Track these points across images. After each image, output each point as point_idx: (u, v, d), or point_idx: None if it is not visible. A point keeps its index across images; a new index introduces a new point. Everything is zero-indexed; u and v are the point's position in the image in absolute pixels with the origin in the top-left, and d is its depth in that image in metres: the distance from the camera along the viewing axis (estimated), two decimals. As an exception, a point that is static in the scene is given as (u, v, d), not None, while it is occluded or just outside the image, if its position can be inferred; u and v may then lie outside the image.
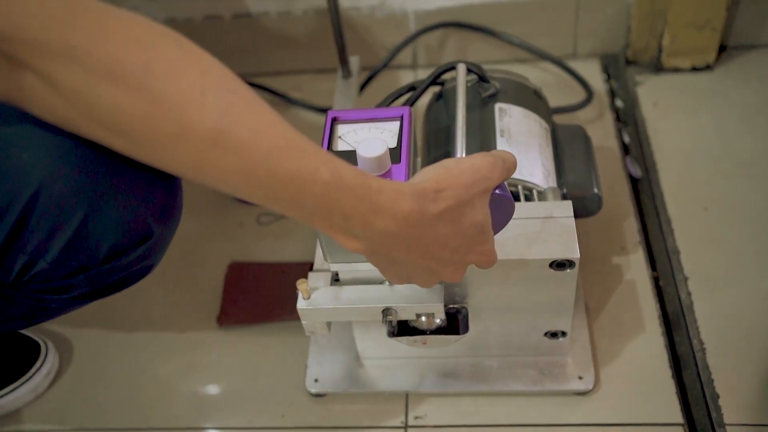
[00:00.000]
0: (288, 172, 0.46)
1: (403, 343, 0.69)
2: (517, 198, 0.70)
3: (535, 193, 0.70)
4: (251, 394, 0.78)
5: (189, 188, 0.99)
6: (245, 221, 0.95)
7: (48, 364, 0.80)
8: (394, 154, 0.63)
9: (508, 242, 0.65)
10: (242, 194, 0.49)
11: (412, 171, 0.64)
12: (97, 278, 0.58)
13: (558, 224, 0.66)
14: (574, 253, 0.63)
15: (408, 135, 0.65)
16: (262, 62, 1.11)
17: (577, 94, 1.02)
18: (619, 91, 1.06)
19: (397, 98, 0.78)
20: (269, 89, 1.09)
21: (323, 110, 1.04)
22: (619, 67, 1.08)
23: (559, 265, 0.64)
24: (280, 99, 1.08)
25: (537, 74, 1.06)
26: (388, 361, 0.77)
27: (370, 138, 0.62)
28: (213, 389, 0.79)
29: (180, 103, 0.45)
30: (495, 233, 0.58)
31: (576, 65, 1.06)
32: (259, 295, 0.85)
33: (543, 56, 1.04)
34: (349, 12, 1.04)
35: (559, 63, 1.02)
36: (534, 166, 0.72)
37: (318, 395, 0.77)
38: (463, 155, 0.65)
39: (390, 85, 1.07)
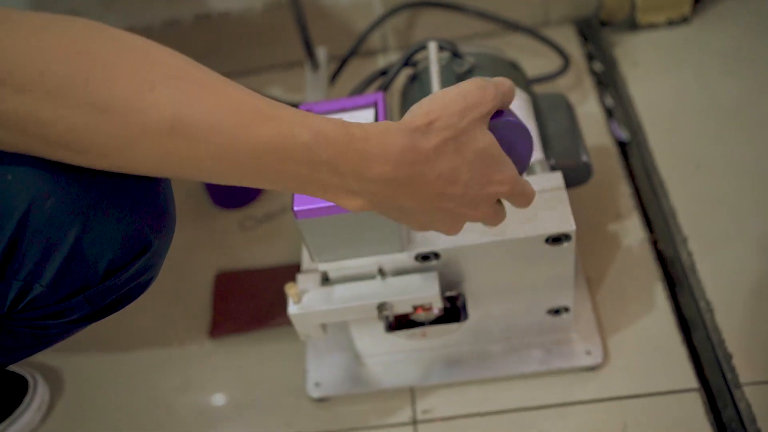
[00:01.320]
0: (262, 144, 0.44)
1: (402, 338, 0.67)
2: (504, 175, 0.68)
3: (522, 167, 0.68)
4: (253, 404, 0.76)
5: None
6: (228, 227, 0.92)
7: (38, 398, 0.76)
8: (372, 142, 0.60)
9: (500, 222, 0.62)
10: (224, 179, 0.46)
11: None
12: (97, 298, 0.55)
13: (550, 197, 0.63)
14: (569, 226, 0.61)
15: (385, 120, 0.62)
16: (229, 62, 1.08)
17: (555, 62, 0.99)
18: (597, 53, 1.03)
19: (369, 84, 0.75)
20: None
21: (297, 105, 1.01)
22: (593, 29, 1.05)
23: (555, 239, 0.62)
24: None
25: (511, 46, 1.03)
26: (389, 357, 0.75)
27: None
28: (213, 403, 0.77)
29: (130, 105, 0.42)
30: (522, 167, 0.53)
31: (550, 32, 1.03)
32: (250, 303, 0.82)
33: (515, 27, 1.01)
34: (312, 2, 1.01)
35: (532, 32, 0.99)
36: (518, 140, 0.70)
37: (321, 399, 0.74)
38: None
39: (363, 72, 1.04)
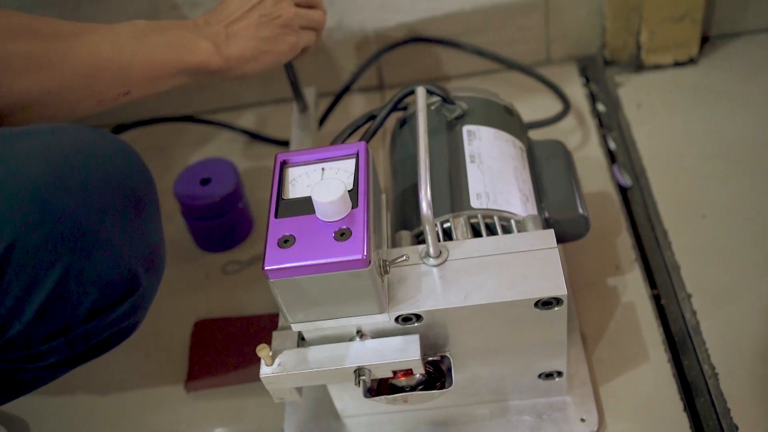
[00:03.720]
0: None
1: (382, 403, 0.62)
2: (493, 231, 0.64)
3: (513, 223, 0.64)
4: (227, 465, 0.72)
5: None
6: (211, 272, 0.88)
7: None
8: (351, 196, 0.57)
9: (487, 282, 0.58)
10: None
11: (373, 212, 0.58)
12: (79, 341, 0.52)
13: (541, 258, 0.59)
14: (560, 290, 0.57)
15: (366, 174, 0.59)
16: (219, 97, 1.05)
17: (556, 102, 0.95)
18: (600, 94, 0.99)
19: (355, 130, 0.71)
20: (228, 126, 1.02)
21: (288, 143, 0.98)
22: (597, 69, 1.01)
23: (546, 303, 0.57)
24: (242, 135, 1.02)
25: (510, 85, 1.00)
26: (371, 418, 0.70)
27: (325, 180, 0.56)
28: (184, 465, 0.72)
29: None
30: None
31: (551, 71, 0.99)
32: (228, 355, 0.78)
33: (513, 66, 0.97)
34: (305, 37, 0.97)
35: (530, 72, 0.96)
36: (510, 193, 0.66)
37: (298, 463, 0.70)
38: (428, 189, 0.59)
39: (356, 111, 1.01)
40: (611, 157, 0.92)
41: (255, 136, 1.01)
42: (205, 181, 0.86)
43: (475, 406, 0.69)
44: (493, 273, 0.59)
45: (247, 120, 1.04)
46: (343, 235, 0.55)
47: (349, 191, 0.57)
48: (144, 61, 0.63)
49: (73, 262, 0.48)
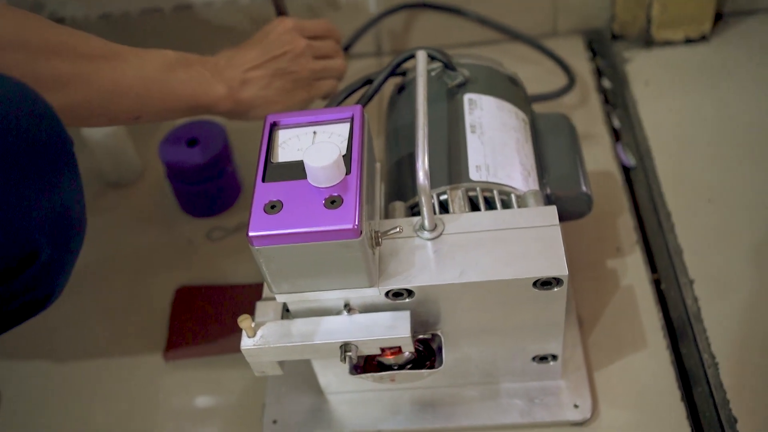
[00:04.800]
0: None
1: (368, 381, 0.60)
2: (492, 206, 0.60)
3: (513, 198, 0.61)
4: (203, 438, 0.69)
5: (134, 202, 0.90)
6: (195, 237, 0.85)
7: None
8: (344, 163, 0.53)
9: (484, 258, 0.55)
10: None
11: (366, 180, 0.54)
12: None
13: (542, 235, 0.56)
14: (561, 270, 0.54)
15: (360, 139, 0.55)
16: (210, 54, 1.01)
17: (560, 75, 0.92)
18: (606, 69, 0.96)
19: (351, 93, 0.68)
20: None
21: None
22: (604, 43, 0.97)
23: (545, 284, 0.55)
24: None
25: (514, 56, 0.96)
26: (355, 395, 0.67)
27: (319, 143, 0.52)
28: (159, 436, 0.70)
29: None
30: None
31: (557, 43, 0.95)
32: (209, 324, 0.75)
33: (518, 36, 0.93)
34: (302, -4, 0.93)
35: (535, 44, 0.92)
36: (511, 166, 0.63)
37: (278, 439, 0.67)
38: (426, 158, 0.55)
39: (352, 76, 0.97)
40: (615, 135, 0.88)
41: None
42: (192, 143, 0.82)
43: (464, 387, 0.66)
44: (490, 249, 0.56)
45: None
46: (333, 202, 0.51)
47: (342, 157, 0.53)
48: (162, 92, 0.66)
49: None
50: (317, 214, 0.51)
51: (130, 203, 0.89)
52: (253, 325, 0.57)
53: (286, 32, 0.74)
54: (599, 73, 0.95)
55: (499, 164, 0.62)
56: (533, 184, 0.63)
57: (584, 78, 0.93)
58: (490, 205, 0.61)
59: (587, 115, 0.89)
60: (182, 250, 0.84)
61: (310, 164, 0.51)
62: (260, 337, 0.57)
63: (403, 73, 0.71)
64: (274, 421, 0.67)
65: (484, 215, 0.58)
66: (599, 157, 0.85)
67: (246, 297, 0.76)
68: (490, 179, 0.61)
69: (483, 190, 0.60)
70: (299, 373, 0.69)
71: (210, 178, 0.82)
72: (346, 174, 0.53)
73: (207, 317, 0.76)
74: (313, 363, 0.65)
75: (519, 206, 0.60)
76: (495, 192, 0.60)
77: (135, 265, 0.83)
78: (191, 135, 0.82)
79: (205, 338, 0.74)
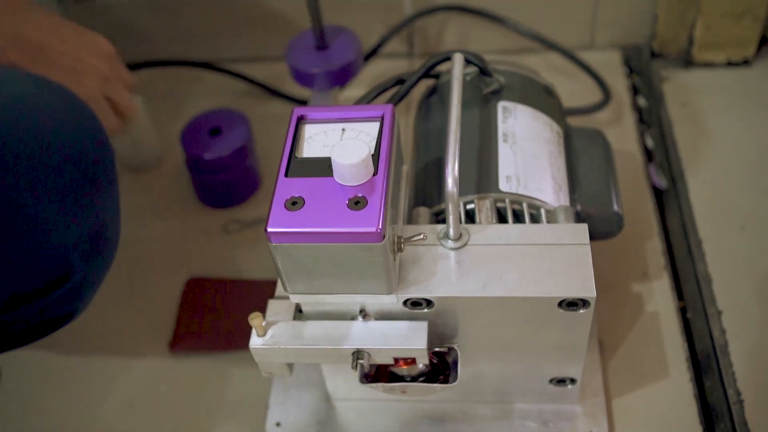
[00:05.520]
0: None
1: (378, 390, 0.57)
2: (520, 219, 0.58)
3: (543, 212, 0.58)
4: (203, 436, 0.67)
5: (151, 188, 0.88)
6: (211, 228, 0.83)
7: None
8: (372, 162, 0.51)
9: (509, 273, 0.53)
10: None
11: (393, 183, 0.52)
12: None
13: (571, 253, 0.53)
14: (589, 292, 0.51)
15: (389, 140, 0.53)
16: (237, 47, 0.99)
17: (595, 90, 0.89)
18: (643, 87, 0.93)
19: (382, 92, 0.66)
20: (246, 77, 0.96)
21: (306, 102, 0.92)
22: (642, 60, 0.95)
23: (571, 304, 0.52)
24: (259, 89, 0.96)
25: (549, 67, 0.93)
26: (363, 404, 0.65)
27: (348, 140, 0.50)
28: (158, 430, 0.67)
29: None
30: None
31: (594, 57, 0.93)
32: (219, 319, 0.73)
33: (554, 47, 0.91)
34: (337, -9, 0.91)
35: (571, 56, 0.89)
36: (542, 179, 0.60)
37: (280, 442, 0.65)
38: (456, 164, 0.53)
39: (381, 76, 0.95)
40: (648, 155, 0.86)
41: (273, 92, 0.95)
42: (214, 132, 0.80)
43: (477, 404, 0.64)
44: (516, 264, 0.53)
45: (267, 73, 0.98)
46: (357, 203, 0.49)
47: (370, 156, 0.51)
48: None
49: None
50: (340, 214, 0.49)
51: (147, 189, 0.88)
52: (264, 323, 0.55)
53: (100, 49, 0.69)
54: (635, 91, 0.93)
55: (531, 176, 0.60)
56: (564, 200, 0.61)
57: (619, 94, 0.91)
58: (518, 218, 0.58)
59: (620, 133, 0.87)
60: (197, 240, 0.82)
61: (337, 161, 0.49)
62: (270, 337, 0.55)
63: (437, 76, 0.69)
64: (278, 424, 0.65)
65: (511, 228, 0.55)
66: (630, 176, 0.82)
67: (258, 293, 0.73)
68: (520, 191, 0.58)
69: (512, 202, 0.58)
70: (306, 376, 0.67)
71: (230, 169, 0.80)
72: (374, 174, 0.51)
73: (216, 311, 0.74)
74: (322, 367, 0.62)
75: (548, 221, 0.58)
76: (524, 205, 0.58)
77: (147, 253, 0.81)
78: (214, 124, 0.81)
79: (213, 332, 0.72)
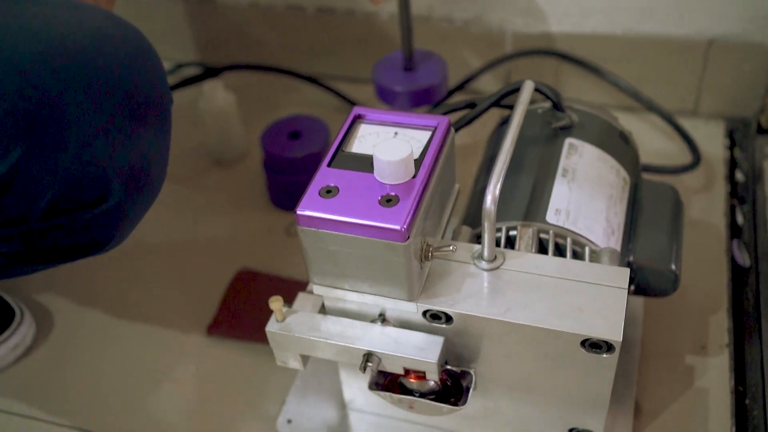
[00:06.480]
0: None
1: (386, 401, 0.56)
2: (562, 254, 0.56)
3: (587, 251, 0.56)
4: (215, 420, 0.67)
5: (229, 183, 0.91)
6: (274, 228, 0.85)
7: (17, 336, 0.72)
8: (414, 166, 0.51)
9: (536, 303, 0.50)
10: None
11: (433, 193, 0.52)
12: (34, 237, 0.48)
13: (605, 294, 0.51)
14: (615, 335, 0.48)
15: (437, 147, 0.53)
16: (343, 66, 1.02)
17: (686, 159, 0.85)
18: (743, 162, 0.88)
19: (451, 112, 0.66)
20: (338, 93, 0.99)
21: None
22: (748, 134, 0.90)
23: (594, 346, 0.49)
24: (348, 105, 0.99)
25: (643, 128, 0.90)
26: (378, 419, 0.64)
27: (394, 140, 0.51)
28: (177, 406, 0.69)
29: None
30: None
31: (694, 125, 0.89)
32: (260, 311, 0.74)
33: (652, 108, 0.88)
34: (440, 23, 0.93)
35: (668, 118, 0.86)
36: (594, 220, 0.58)
37: (288, 440, 0.64)
38: (498, 184, 0.52)
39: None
40: (734, 232, 0.81)
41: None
42: (294, 135, 0.83)
43: (491, 442, 0.61)
44: (546, 295, 0.51)
45: (363, 93, 1.00)
46: (389, 201, 0.49)
47: (413, 160, 0.51)
48: None
49: (38, 145, 0.45)
50: (369, 207, 0.49)
51: (225, 183, 0.91)
52: (284, 310, 0.55)
53: None
54: (734, 164, 0.88)
55: (582, 214, 0.58)
56: (615, 245, 0.58)
57: (715, 165, 0.86)
58: (560, 252, 0.56)
59: (707, 203, 0.82)
60: (260, 238, 0.84)
61: (378, 156, 0.50)
62: (287, 324, 0.55)
63: (511, 107, 0.69)
64: (289, 421, 0.64)
65: (549, 260, 0.53)
66: (711, 248, 0.77)
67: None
68: (568, 226, 0.56)
69: (556, 235, 0.56)
70: (329, 383, 0.67)
71: (301, 171, 0.82)
72: (413, 177, 0.51)
73: (258, 303, 0.75)
74: (340, 372, 0.62)
75: (591, 261, 0.55)
76: (568, 240, 0.56)
77: (210, 241, 0.84)
78: (295, 128, 0.83)
79: (251, 322, 0.73)
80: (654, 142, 0.88)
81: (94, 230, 0.50)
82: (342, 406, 0.65)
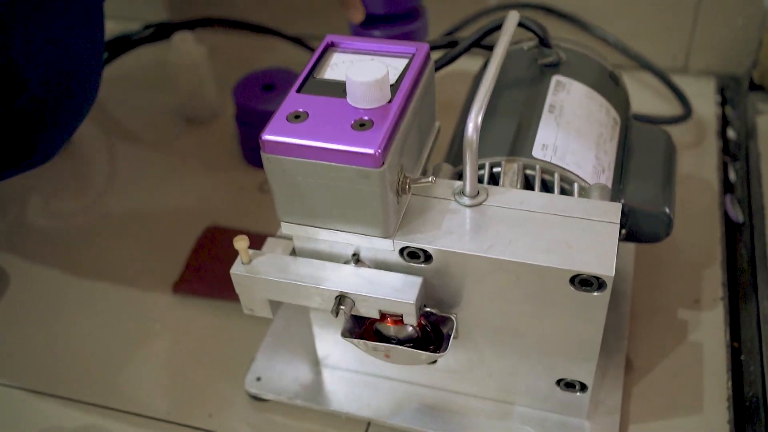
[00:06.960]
0: None
1: (360, 349, 0.52)
2: (549, 190, 0.52)
3: (576, 187, 0.52)
4: (181, 382, 0.63)
5: (199, 141, 0.87)
6: (246, 186, 0.80)
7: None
8: (390, 91, 0.47)
9: (522, 240, 0.47)
10: None
11: (410, 122, 0.48)
12: None
13: (595, 229, 0.47)
14: (607, 270, 0.45)
15: (415, 73, 0.49)
16: (324, 26, 0.98)
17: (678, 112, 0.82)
18: (735, 119, 0.85)
19: (431, 50, 0.62)
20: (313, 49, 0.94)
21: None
22: (740, 91, 0.87)
23: (584, 282, 0.45)
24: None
25: (631, 87, 0.87)
26: (353, 375, 0.60)
27: (367, 62, 0.47)
28: (141, 367, 0.64)
29: None
30: None
31: (685, 82, 0.86)
32: (227, 267, 0.70)
33: (642, 63, 0.85)
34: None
35: (659, 73, 0.83)
36: (583, 157, 0.54)
37: (257, 398, 0.60)
38: (481, 114, 0.48)
39: (452, 66, 0.91)
40: (727, 187, 0.77)
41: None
42: (268, 87, 0.79)
43: (475, 398, 0.57)
44: (531, 231, 0.47)
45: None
46: (363, 125, 0.45)
47: (389, 84, 0.47)
48: None
49: None
50: (341, 132, 0.45)
51: (196, 141, 0.87)
52: (251, 252, 0.51)
53: None
54: (725, 121, 0.85)
55: (570, 149, 0.54)
56: (603, 181, 0.54)
57: (707, 122, 0.83)
58: (547, 189, 0.52)
59: (700, 159, 0.79)
60: (230, 195, 0.80)
61: (351, 78, 0.46)
62: (253, 266, 0.51)
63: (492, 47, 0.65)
64: (258, 378, 0.60)
65: (535, 195, 0.50)
66: (703, 204, 0.74)
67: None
68: (555, 161, 0.53)
69: (543, 171, 0.52)
70: (301, 341, 0.63)
71: (274, 124, 0.78)
72: (389, 102, 0.47)
73: (226, 260, 0.70)
74: (313, 326, 0.58)
75: (580, 197, 0.52)
76: (556, 175, 0.52)
77: (179, 200, 0.80)
78: (268, 80, 0.79)
79: (219, 280, 0.69)
80: (644, 101, 0.85)
81: (12, 133, 0.46)
82: (315, 363, 0.61)
